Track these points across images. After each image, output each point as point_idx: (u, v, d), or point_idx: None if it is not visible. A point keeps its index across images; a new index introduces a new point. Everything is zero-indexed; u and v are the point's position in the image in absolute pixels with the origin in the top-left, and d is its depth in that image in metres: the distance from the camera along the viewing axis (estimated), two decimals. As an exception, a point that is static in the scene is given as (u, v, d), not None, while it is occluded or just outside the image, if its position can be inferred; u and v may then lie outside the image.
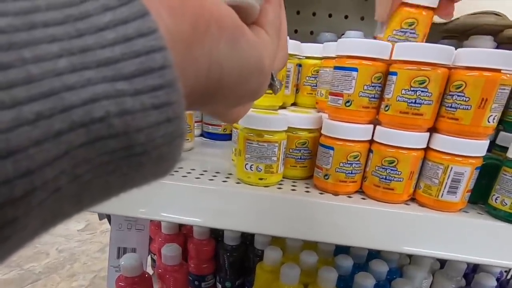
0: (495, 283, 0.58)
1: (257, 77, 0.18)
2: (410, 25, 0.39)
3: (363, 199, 0.40)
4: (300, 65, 0.50)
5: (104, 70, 0.10)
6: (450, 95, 0.35)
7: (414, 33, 0.40)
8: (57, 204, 0.10)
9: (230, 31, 0.15)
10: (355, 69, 0.36)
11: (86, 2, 0.10)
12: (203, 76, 0.15)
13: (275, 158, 0.39)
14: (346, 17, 0.74)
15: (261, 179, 0.40)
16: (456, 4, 0.39)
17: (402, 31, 0.40)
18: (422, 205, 0.40)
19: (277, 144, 0.39)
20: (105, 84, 0.10)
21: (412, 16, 0.39)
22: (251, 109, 0.40)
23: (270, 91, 0.23)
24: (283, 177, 0.44)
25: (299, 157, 0.43)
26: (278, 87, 0.23)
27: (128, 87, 0.10)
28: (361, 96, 0.37)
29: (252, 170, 0.39)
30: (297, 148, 0.43)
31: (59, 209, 0.11)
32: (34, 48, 0.09)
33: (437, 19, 0.41)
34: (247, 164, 0.39)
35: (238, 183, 0.41)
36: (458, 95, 0.35)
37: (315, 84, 0.50)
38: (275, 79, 0.22)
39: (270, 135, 0.38)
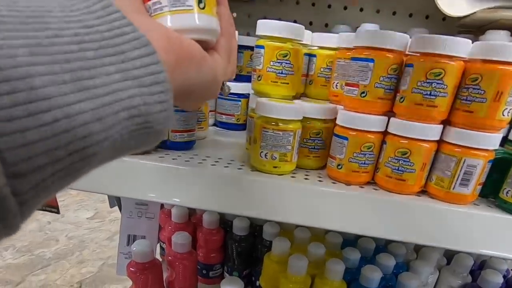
0: (501, 280, 0.58)
1: (213, 87, 0.28)
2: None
3: (375, 189, 0.41)
4: (313, 56, 0.50)
5: (136, 82, 0.19)
6: (466, 88, 0.36)
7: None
8: (113, 150, 0.19)
9: (197, 60, 0.24)
10: (372, 60, 0.37)
11: (127, 52, 0.19)
12: (180, 88, 0.23)
13: (289, 147, 0.40)
14: (361, 9, 0.74)
15: (275, 167, 0.40)
16: None
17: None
18: (433, 197, 0.40)
19: (292, 133, 0.39)
20: (137, 89, 0.19)
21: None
22: (268, 98, 0.41)
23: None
24: (296, 167, 0.44)
25: (313, 147, 0.43)
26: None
27: (147, 91, 0.19)
28: (376, 87, 0.37)
29: (267, 158, 0.40)
30: (311, 138, 0.43)
31: (112, 154, 0.19)
32: (104, 79, 0.17)
33: (453, 13, 0.41)
34: (262, 152, 0.40)
35: (252, 170, 0.41)
36: (474, 88, 0.35)
37: (329, 76, 0.50)
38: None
39: (285, 124, 0.39)
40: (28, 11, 0.16)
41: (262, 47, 0.40)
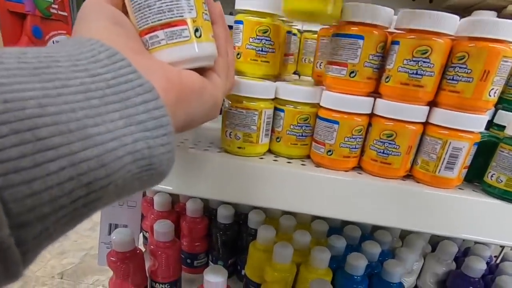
0: (485, 267, 0.59)
1: (214, 110, 0.29)
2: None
3: (359, 173, 0.40)
4: (295, 34, 0.47)
5: (140, 127, 0.19)
6: (452, 67, 0.35)
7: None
8: (116, 193, 0.19)
9: (197, 92, 0.25)
10: (361, 37, 0.35)
11: (131, 99, 0.19)
12: (183, 122, 0.25)
13: (254, 127, 0.38)
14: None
15: (239, 147, 0.39)
16: None
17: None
18: (418, 181, 0.39)
19: (257, 112, 0.37)
20: (141, 134, 0.19)
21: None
22: (242, 77, 0.39)
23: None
24: (281, 155, 0.42)
25: (301, 134, 0.41)
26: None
27: (150, 135, 0.20)
28: (366, 66, 0.36)
29: (231, 138, 0.38)
30: (298, 124, 0.40)
31: (115, 196, 0.19)
32: (108, 125, 0.18)
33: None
34: (227, 131, 0.38)
35: (219, 152, 0.40)
36: (460, 67, 0.34)
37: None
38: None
39: (249, 102, 0.37)
40: (37, 62, 0.16)
41: (240, 22, 0.38)
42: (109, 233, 0.70)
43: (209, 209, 0.74)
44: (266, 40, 0.38)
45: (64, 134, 0.15)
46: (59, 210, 0.15)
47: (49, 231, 0.16)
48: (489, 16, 0.47)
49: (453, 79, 0.35)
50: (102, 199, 0.18)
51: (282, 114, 0.40)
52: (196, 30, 0.25)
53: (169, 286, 0.64)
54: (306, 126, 0.41)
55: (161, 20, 0.24)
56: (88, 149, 0.16)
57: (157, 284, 0.63)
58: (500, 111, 0.44)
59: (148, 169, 0.20)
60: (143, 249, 0.76)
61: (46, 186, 0.15)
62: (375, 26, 0.35)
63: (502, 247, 0.77)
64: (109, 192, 0.18)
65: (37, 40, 0.35)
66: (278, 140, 0.41)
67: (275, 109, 0.40)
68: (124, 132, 0.18)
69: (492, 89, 0.34)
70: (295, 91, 0.39)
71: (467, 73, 0.34)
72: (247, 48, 0.39)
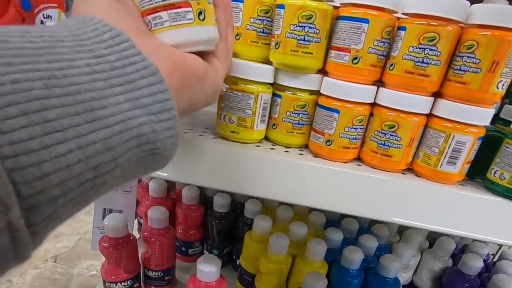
0: (481, 265, 0.58)
1: (215, 96, 0.29)
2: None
3: (359, 165, 0.38)
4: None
5: (144, 110, 0.19)
6: (460, 56, 0.33)
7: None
8: (121, 176, 0.19)
9: (201, 77, 0.25)
10: (366, 21, 0.33)
11: (136, 81, 0.19)
12: (186, 106, 0.25)
13: (249, 111, 0.37)
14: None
15: (233, 132, 0.37)
16: None
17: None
18: (419, 175, 0.38)
19: (252, 95, 0.36)
20: (145, 117, 0.19)
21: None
22: (239, 58, 0.38)
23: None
24: (278, 144, 0.41)
25: (297, 122, 0.39)
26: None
27: (155, 118, 0.20)
28: (370, 52, 0.34)
29: (225, 121, 0.37)
30: (295, 112, 0.39)
31: (120, 180, 0.20)
32: (113, 108, 0.18)
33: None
34: (221, 114, 0.37)
35: (214, 138, 0.39)
36: (469, 57, 0.32)
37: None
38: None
39: (245, 84, 0.35)
40: (41, 42, 0.16)
41: (240, 0, 0.36)
42: (103, 218, 0.69)
43: (205, 197, 0.73)
44: (268, 21, 0.36)
45: (71, 116, 0.15)
46: (68, 193, 0.16)
47: (57, 213, 0.16)
48: (500, 3, 0.45)
49: (460, 69, 0.33)
50: (108, 183, 0.18)
51: (279, 100, 0.39)
52: (200, 13, 0.25)
53: (162, 274, 0.63)
54: (304, 114, 0.39)
55: (165, 0, 0.23)
56: (94, 132, 0.16)
57: (150, 271, 0.63)
58: (507, 105, 0.42)
59: (152, 153, 0.20)
60: (138, 236, 0.75)
61: (55, 169, 0.15)
62: (381, 9, 0.33)
63: (500, 245, 0.76)
64: (114, 176, 0.18)
65: (25, 13, 0.33)
66: (274, 127, 0.40)
67: (273, 94, 0.39)
68: (129, 115, 0.18)
69: (500, 81, 0.32)
70: (294, 76, 0.38)
71: (475, 63, 0.32)
72: (247, 29, 0.37)
